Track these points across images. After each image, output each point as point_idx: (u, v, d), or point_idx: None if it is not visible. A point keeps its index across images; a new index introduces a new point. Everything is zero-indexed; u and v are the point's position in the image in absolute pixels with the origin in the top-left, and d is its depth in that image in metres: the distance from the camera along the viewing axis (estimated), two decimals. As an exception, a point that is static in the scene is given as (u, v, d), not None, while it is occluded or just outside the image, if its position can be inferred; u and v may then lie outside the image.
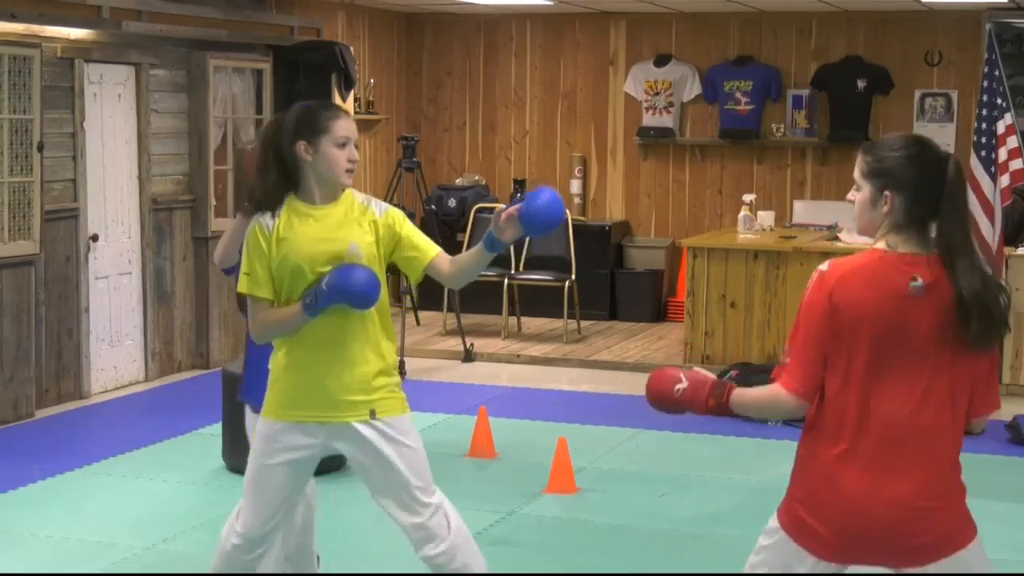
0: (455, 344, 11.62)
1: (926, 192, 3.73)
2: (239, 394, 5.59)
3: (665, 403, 3.89)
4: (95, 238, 9.75)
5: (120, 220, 10.08)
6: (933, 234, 3.73)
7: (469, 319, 12.11)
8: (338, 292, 4.51)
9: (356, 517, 6.88)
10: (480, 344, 11.70)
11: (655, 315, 13.10)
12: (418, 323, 12.62)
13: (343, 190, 4.74)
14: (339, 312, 4.58)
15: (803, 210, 12.76)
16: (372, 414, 4.67)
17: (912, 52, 12.66)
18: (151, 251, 10.37)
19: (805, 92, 12.96)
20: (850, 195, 3.88)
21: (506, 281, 12.25)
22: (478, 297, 12.46)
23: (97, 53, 9.81)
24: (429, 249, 4.81)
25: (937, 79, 12.59)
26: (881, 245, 3.76)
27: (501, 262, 12.55)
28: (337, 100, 11.81)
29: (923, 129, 12.57)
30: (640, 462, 8.32)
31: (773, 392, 3.76)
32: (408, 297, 12.16)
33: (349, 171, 4.67)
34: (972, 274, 3.66)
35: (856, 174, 3.85)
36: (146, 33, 10.08)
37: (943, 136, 12.42)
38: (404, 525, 4.82)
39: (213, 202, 10.82)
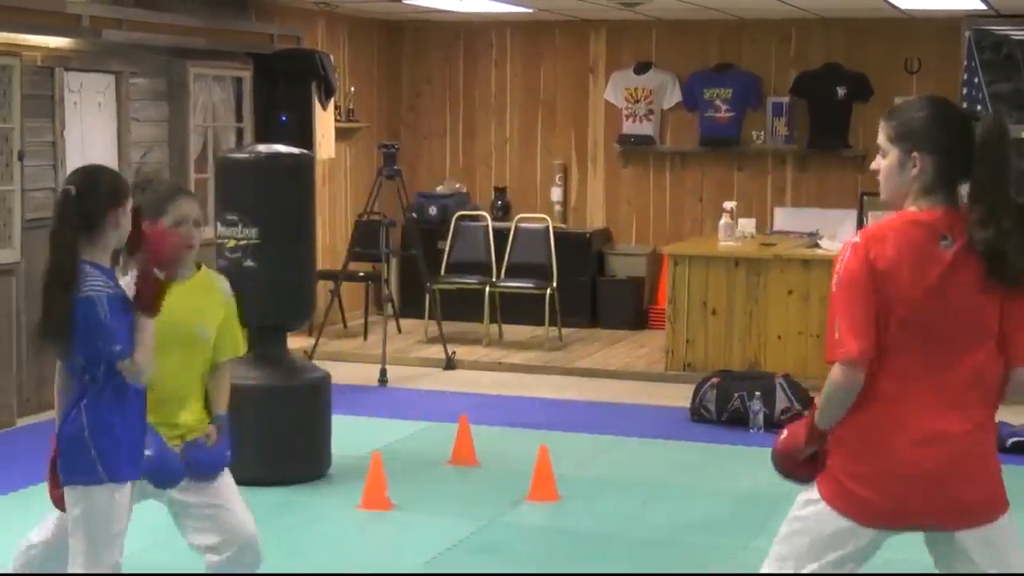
0: (436, 352, 11.60)
1: (955, 150, 3.73)
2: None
3: (782, 458, 3.92)
4: (75, 247, 9.72)
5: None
6: (963, 196, 3.73)
7: (450, 327, 12.10)
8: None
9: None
10: (461, 352, 11.69)
11: (637, 322, 13.10)
12: (399, 331, 12.62)
13: (197, 268, 5.07)
14: None
15: (784, 217, 12.78)
16: None
17: (891, 59, 12.69)
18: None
19: (785, 99, 12.99)
20: (874, 163, 3.88)
21: (487, 289, 12.26)
22: (459, 305, 12.48)
23: (77, 62, 9.81)
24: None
25: (917, 86, 12.61)
26: (911, 210, 3.76)
27: (482, 270, 12.57)
28: (316, 109, 11.83)
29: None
30: (622, 470, 8.34)
31: (830, 376, 3.74)
32: (389, 304, 12.15)
33: (190, 247, 4.92)
34: (987, 225, 3.66)
35: (881, 140, 3.84)
36: (126, 42, 10.07)
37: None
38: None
39: (194, 210, 10.81)
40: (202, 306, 4.99)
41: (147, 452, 4.61)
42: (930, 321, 3.70)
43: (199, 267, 5.08)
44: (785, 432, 3.95)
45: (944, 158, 3.73)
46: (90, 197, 4.37)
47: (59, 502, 4.51)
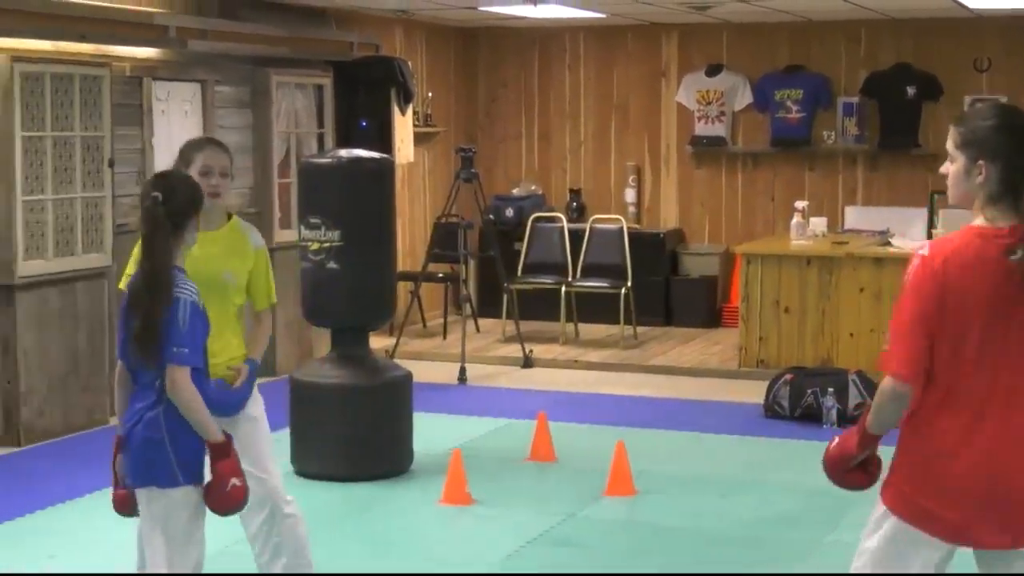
0: (514, 350, 11.64)
1: (1020, 160, 3.70)
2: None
3: (833, 465, 3.94)
4: (164, 251, 9.83)
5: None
6: None
7: (528, 326, 12.14)
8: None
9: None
10: (539, 350, 11.72)
11: (710, 321, 13.07)
12: (478, 330, 12.67)
13: (228, 217, 5.23)
14: None
15: (855, 216, 12.71)
16: None
17: (961, 58, 12.58)
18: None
19: (855, 99, 12.90)
20: (943, 168, 3.85)
21: (563, 288, 12.27)
22: (536, 304, 12.51)
23: (164, 71, 9.93)
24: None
25: (987, 84, 12.51)
26: (979, 221, 3.73)
27: (558, 270, 12.59)
28: (396, 114, 11.89)
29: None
30: (697, 465, 8.33)
31: (880, 385, 3.74)
32: (468, 304, 12.19)
33: (211, 195, 5.06)
34: None
35: (949, 146, 3.81)
36: (211, 51, 10.17)
37: (993, 141, 12.38)
38: None
39: (278, 214, 10.92)
40: (229, 254, 5.15)
41: None
42: (1001, 335, 3.67)
43: (229, 217, 5.24)
44: (836, 440, 3.94)
45: (1009, 167, 3.70)
46: (174, 202, 4.42)
47: (120, 503, 4.54)
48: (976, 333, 3.66)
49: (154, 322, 4.32)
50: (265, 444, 5.25)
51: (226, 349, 5.04)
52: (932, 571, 3.76)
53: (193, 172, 5.03)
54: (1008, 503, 3.68)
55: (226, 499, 4.41)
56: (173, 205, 4.40)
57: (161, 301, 4.33)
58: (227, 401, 4.93)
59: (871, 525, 3.84)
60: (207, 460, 4.46)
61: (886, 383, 3.71)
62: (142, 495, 4.44)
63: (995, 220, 3.71)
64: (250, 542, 5.33)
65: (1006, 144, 3.71)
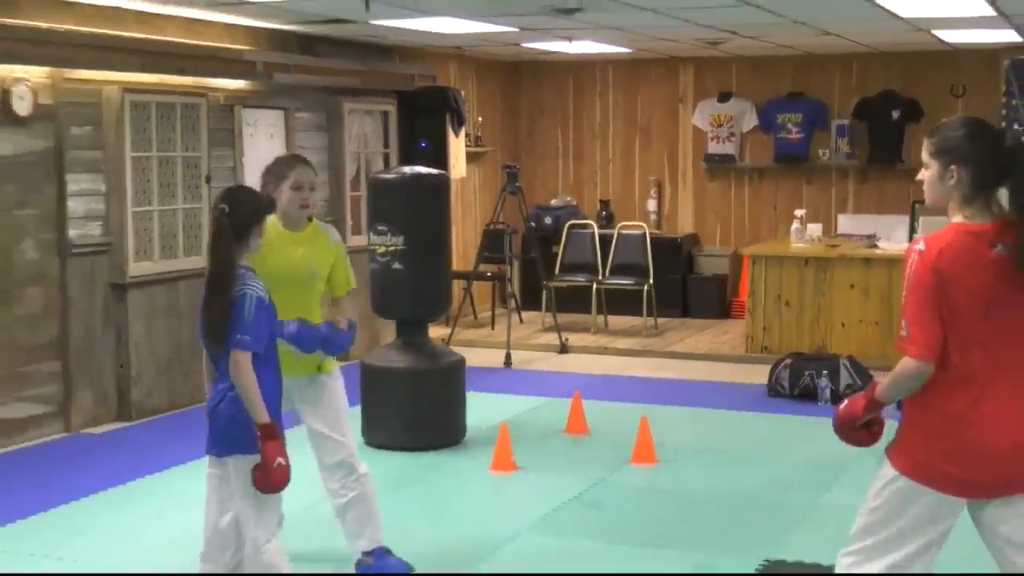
0: (552, 339, 11.65)
1: (988, 163, 3.69)
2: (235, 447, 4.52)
3: (841, 424, 3.93)
4: (253, 253, 9.89)
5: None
6: (1002, 202, 3.70)
7: (564, 317, 12.14)
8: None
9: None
10: (573, 339, 11.72)
11: (721, 313, 13.05)
12: (521, 321, 12.68)
13: (309, 220, 5.23)
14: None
15: (846, 223, 12.65)
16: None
17: (940, 86, 12.52)
18: (298, 264, 10.49)
19: (847, 122, 12.86)
20: (919, 175, 3.84)
21: (594, 286, 12.29)
22: (571, 299, 12.52)
23: (252, 100, 9.98)
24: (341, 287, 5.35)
25: (962, 108, 12.43)
26: (958, 219, 3.73)
27: (590, 270, 12.59)
28: (450, 136, 11.91)
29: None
30: (709, 437, 8.32)
31: (901, 365, 3.70)
32: (512, 299, 12.22)
33: (303, 207, 5.14)
34: None
35: (924, 156, 3.80)
36: (292, 83, 10.20)
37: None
38: None
39: (350, 222, 10.96)
40: (311, 251, 5.19)
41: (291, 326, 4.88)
42: (994, 317, 3.66)
43: (310, 220, 5.26)
44: (845, 402, 3.96)
45: (978, 169, 3.69)
46: (240, 213, 4.41)
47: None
48: (974, 316, 3.65)
49: (217, 315, 4.33)
50: (343, 413, 5.33)
51: (313, 319, 5.15)
52: (927, 518, 3.73)
53: (286, 186, 5.08)
54: (1015, 458, 3.69)
55: (272, 477, 4.29)
56: (237, 216, 4.39)
57: (222, 297, 4.32)
58: (336, 338, 5.01)
59: (878, 486, 3.81)
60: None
61: (909, 364, 3.66)
62: (229, 463, 4.44)
63: (973, 218, 3.70)
64: (330, 496, 5.37)
65: (973, 150, 3.71)
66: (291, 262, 5.08)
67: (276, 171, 5.17)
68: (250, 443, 4.34)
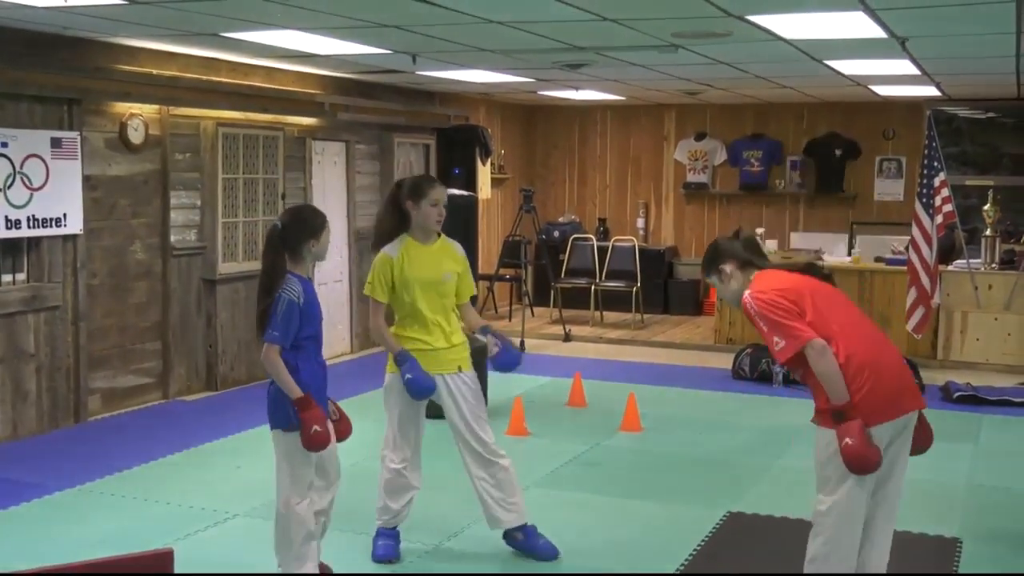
0: (558, 329, 11.59)
1: (741, 251, 3.96)
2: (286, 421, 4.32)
3: (860, 461, 3.63)
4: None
5: (335, 245, 10.18)
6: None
7: (568, 312, 12.08)
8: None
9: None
10: (575, 330, 11.66)
11: (695, 310, 12.96)
12: (533, 315, 12.62)
13: (437, 235, 4.89)
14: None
15: (798, 239, 12.56)
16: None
17: (874, 129, 12.42)
18: (355, 266, 10.48)
19: (799, 158, 12.77)
20: (718, 292, 4.06)
21: (593, 287, 12.22)
22: (574, 298, 12.46)
23: (320, 134, 9.95)
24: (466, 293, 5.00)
25: (892, 148, 12.34)
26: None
27: (589, 274, 12.52)
28: (479, 165, 11.87)
29: (881, 184, 12.37)
30: (685, 411, 8.26)
31: (811, 363, 3.75)
32: (526, 297, 12.17)
33: (438, 221, 4.85)
34: None
35: (714, 280, 4.01)
36: (353, 120, 10.20)
37: (895, 189, 12.24)
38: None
39: (396, 233, 10.90)
40: (442, 260, 4.88)
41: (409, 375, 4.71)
42: (838, 311, 3.87)
43: (439, 235, 4.93)
44: (847, 442, 3.61)
45: (736, 260, 3.97)
46: (292, 230, 4.25)
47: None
48: (834, 316, 3.80)
49: (260, 312, 4.23)
50: (481, 412, 4.95)
51: (451, 322, 4.90)
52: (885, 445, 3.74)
53: (425, 203, 4.77)
54: (905, 383, 3.79)
55: (311, 439, 4.14)
56: (288, 232, 4.25)
57: (264, 298, 4.21)
58: (508, 359, 4.89)
59: (829, 446, 3.71)
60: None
61: (813, 356, 3.72)
62: (272, 435, 4.30)
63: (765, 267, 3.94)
64: (473, 480, 5.02)
65: (724, 253, 3.95)
66: (431, 270, 4.79)
67: (416, 189, 4.79)
68: (284, 422, 4.21)
